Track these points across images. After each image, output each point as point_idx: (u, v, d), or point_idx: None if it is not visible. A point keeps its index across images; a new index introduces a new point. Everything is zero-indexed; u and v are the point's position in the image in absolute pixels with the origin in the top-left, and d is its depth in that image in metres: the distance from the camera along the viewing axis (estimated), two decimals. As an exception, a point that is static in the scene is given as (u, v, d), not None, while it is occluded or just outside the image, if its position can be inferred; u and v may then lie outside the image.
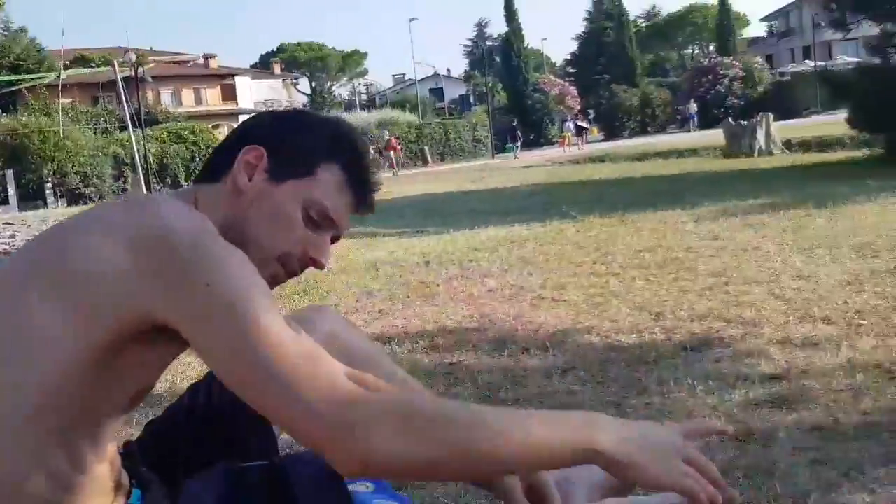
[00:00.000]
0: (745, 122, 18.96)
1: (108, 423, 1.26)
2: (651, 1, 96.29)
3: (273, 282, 1.33)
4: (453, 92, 74.40)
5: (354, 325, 1.91)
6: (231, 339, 1.11)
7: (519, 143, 42.23)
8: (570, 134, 41.31)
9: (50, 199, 29.24)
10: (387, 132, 38.18)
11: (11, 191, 28.14)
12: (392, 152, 35.87)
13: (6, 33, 48.13)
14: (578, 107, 53.35)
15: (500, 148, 44.60)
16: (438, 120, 48.08)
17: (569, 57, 70.98)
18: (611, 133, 51.17)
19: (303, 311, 1.84)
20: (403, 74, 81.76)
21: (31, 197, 29.01)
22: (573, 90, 55.76)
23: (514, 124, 43.92)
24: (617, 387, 2.97)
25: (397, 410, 1.15)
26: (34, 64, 45.57)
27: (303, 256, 1.35)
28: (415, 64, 63.27)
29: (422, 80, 67.97)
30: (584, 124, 43.32)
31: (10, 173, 27.95)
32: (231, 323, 1.11)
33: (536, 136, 51.24)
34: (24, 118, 31.94)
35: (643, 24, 70.49)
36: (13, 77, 38.82)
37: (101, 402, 1.23)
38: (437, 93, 73.74)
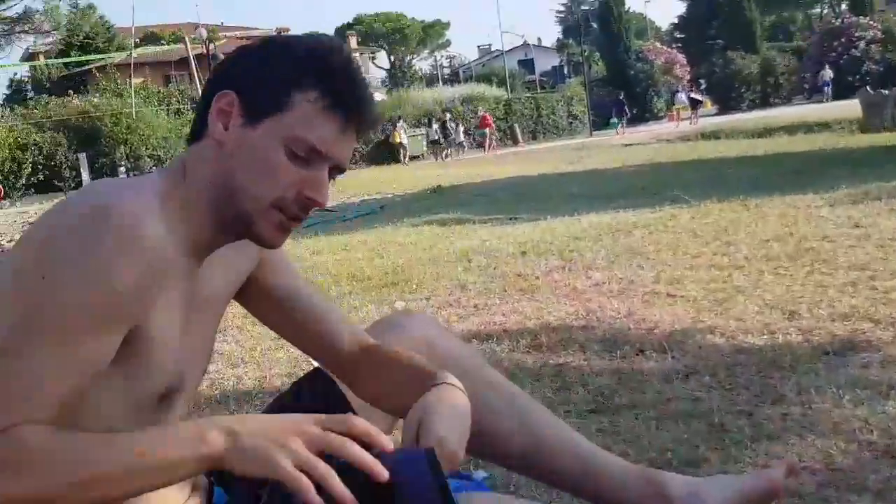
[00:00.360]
0: (886, 92, 18.19)
1: (138, 419, 1.31)
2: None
3: (279, 229, 1.35)
4: (545, 63, 73.65)
5: (447, 329, 1.89)
6: None
7: (626, 118, 41.49)
8: (681, 107, 40.30)
9: (123, 183, 30.07)
10: (481, 108, 38.00)
11: (85, 175, 28.92)
12: (487, 129, 35.70)
13: (74, 10, 49.48)
14: (688, 77, 51.90)
15: (598, 124, 43.88)
16: (529, 94, 47.68)
17: (676, 21, 69.40)
18: (726, 106, 48.98)
19: (397, 315, 1.89)
20: (489, 45, 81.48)
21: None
22: (682, 58, 54.33)
23: (621, 97, 42.92)
24: (748, 394, 2.81)
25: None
26: (103, 42, 46.86)
27: (298, 198, 1.33)
28: (502, 33, 63.19)
29: (510, 50, 67.62)
30: (697, 96, 41.84)
31: (83, 157, 28.72)
32: None
33: (640, 110, 49.93)
34: (95, 100, 32.68)
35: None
36: (83, 57, 39.87)
37: (107, 400, 1.31)
38: (527, 64, 73.04)
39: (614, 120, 42.16)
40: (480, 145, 36.77)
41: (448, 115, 36.54)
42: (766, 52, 53.40)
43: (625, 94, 44.74)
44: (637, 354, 3.35)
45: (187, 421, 1.28)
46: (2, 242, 12.78)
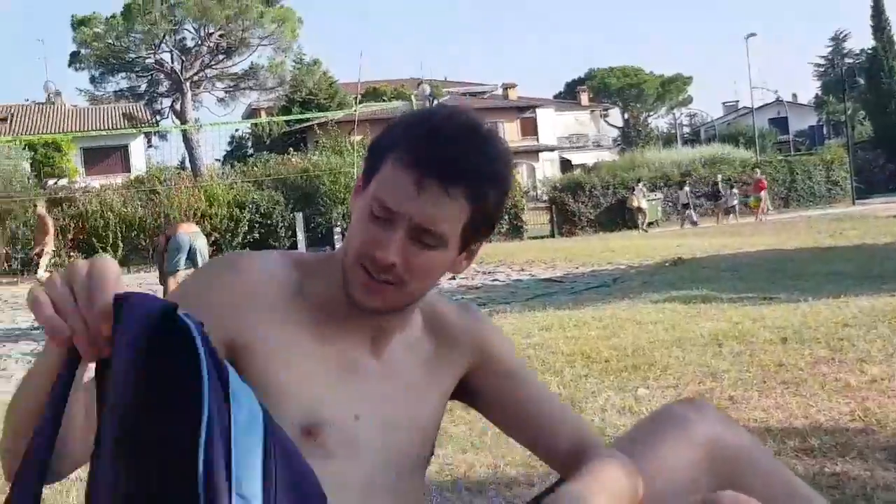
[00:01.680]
0: None
1: None
2: None
3: (364, 287, 1.46)
4: (800, 123, 71.65)
5: (736, 423, 1.80)
6: None
7: None
8: None
9: (338, 245, 31.06)
10: (758, 171, 37.57)
11: (300, 235, 30.15)
12: (763, 193, 35.26)
13: (299, 66, 52.12)
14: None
15: (861, 192, 42.24)
16: (781, 157, 46.31)
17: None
18: None
19: (679, 407, 1.76)
20: (737, 102, 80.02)
21: (320, 241, 30.86)
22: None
23: None
24: None
25: None
26: (325, 98, 48.97)
27: (370, 254, 1.43)
28: (752, 89, 61.71)
29: (760, 107, 66.15)
30: None
31: (299, 216, 29.89)
32: None
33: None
34: (314, 157, 34.00)
35: None
36: (305, 114, 41.76)
37: None
38: (780, 123, 71.32)
39: None
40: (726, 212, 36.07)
41: (720, 177, 36.60)
42: None
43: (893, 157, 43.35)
44: (929, 467, 3.14)
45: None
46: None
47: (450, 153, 1.41)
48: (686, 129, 73.33)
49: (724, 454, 1.65)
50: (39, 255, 17.55)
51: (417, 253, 1.44)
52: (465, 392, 1.67)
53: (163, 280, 13.14)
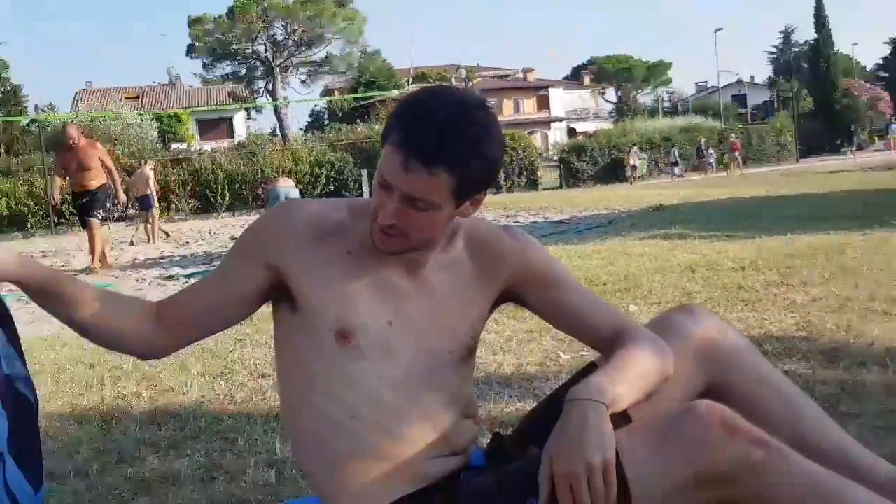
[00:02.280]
0: None
1: (323, 354, 1.53)
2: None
3: (379, 237, 1.47)
4: (756, 98, 70.44)
5: (729, 326, 1.68)
6: None
7: (854, 146, 41.05)
8: (894, 136, 39.54)
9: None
10: (734, 136, 37.52)
11: (365, 188, 30.31)
12: (736, 153, 35.26)
13: (363, 55, 52.00)
14: (891, 111, 48.68)
15: (803, 152, 41.95)
16: (741, 125, 45.63)
17: (880, 61, 64.81)
18: None
19: (673, 314, 1.68)
20: (706, 82, 78.61)
21: (380, 192, 31.26)
22: (886, 95, 50.76)
23: (852, 128, 42.47)
24: (973, 410, 2.54)
25: None
26: (384, 81, 48.81)
27: (376, 215, 1.45)
28: (719, 72, 60.39)
29: (724, 86, 64.90)
30: None
31: (364, 173, 30.08)
32: None
33: (846, 142, 47.41)
34: (376, 127, 34.16)
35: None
36: (367, 94, 41.74)
37: (299, 341, 1.58)
38: (740, 99, 70.14)
39: (845, 148, 43.08)
40: (695, 169, 35.89)
41: (703, 140, 36.56)
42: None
43: (828, 127, 43.04)
44: (858, 366, 3.10)
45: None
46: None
47: (431, 137, 1.37)
48: (666, 104, 72.12)
49: (716, 357, 1.56)
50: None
51: (413, 214, 1.42)
52: (515, 298, 1.63)
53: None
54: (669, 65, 69.95)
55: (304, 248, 1.52)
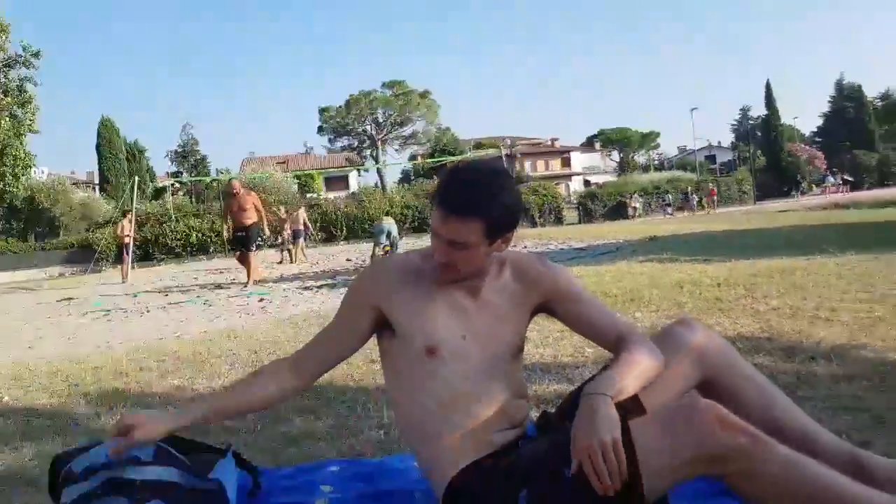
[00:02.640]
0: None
1: (416, 367, 1.54)
2: (886, 84, 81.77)
3: (439, 269, 1.49)
4: (723, 157, 68.45)
5: (716, 334, 1.62)
6: None
7: (799, 192, 41.74)
8: (830, 185, 39.79)
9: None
10: (711, 184, 37.05)
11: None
12: (715, 198, 35.12)
13: (439, 130, 52.41)
14: (824, 166, 47.19)
15: (758, 197, 40.82)
16: (712, 177, 44.49)
17: (815, 129, 62.52)
18: (853, 187, 45.04)
19: (674, 326, 1.61)
20: (685, 146, 76.91)
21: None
22: (821, 154, 49.13)
23: (798, 178, 42.82)
24: (900, 396, 2.39)
25: None
26: (452, 147, 49.05)
27: (433, 255, 1.47)
28: (695, 139, 59.30)
29: (699, 149, 63.44)
30: (847, 177, 41.95)
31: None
32: None
33: (791, 189, 46.03)
34: (447, 181, 34.52)
35: (879, 104, 59.58)
36: (440, 158, 41.94)
37: (399, 359, 1.57)
38: (710, 158, 68.38)
39: (794, 193, 43.24)
40: (680, 209, 35.09)
41: (689, 189, 35.91)
42: (882, 151, 47.93)
43: (777, 179, 42.18)
44: (810, 361, 2.95)
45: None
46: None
47: (458, 194, 1.39)
48: (656, 162, 70.68)
49: (707, 358, 1.52)
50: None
51: (455, 253, 1.43)
52: (547, 310, 1.61)
53: (375, 247, 13.63)
54: (658, 133, 68.77)
55: (396, 290, 1.52)
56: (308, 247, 19.91)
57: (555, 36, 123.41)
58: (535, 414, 1.97)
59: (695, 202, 35.04)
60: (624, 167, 63.47)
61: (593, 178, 59.11)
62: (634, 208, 33.36)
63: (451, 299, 1.52)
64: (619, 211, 34.10)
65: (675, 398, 1.46)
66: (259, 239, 10.77)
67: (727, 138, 75.72)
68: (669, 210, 33.95)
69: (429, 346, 1.47)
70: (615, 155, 69.96)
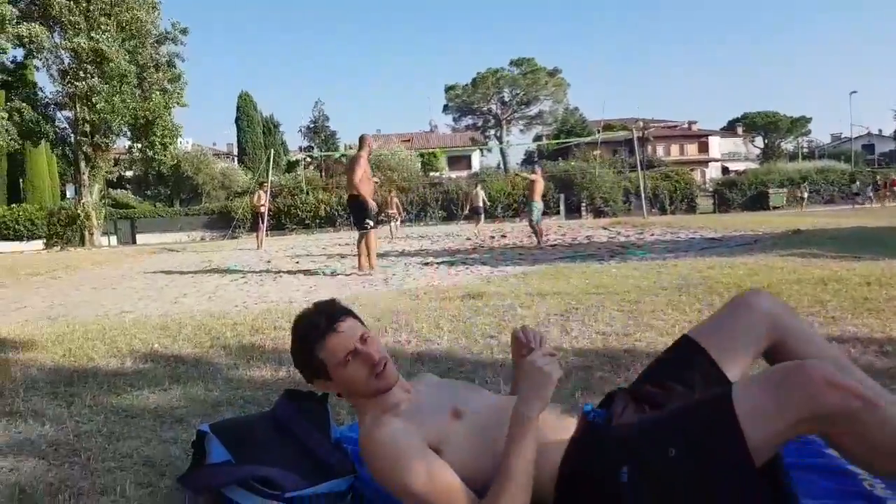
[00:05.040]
0: None
1: (451, 425, 1.55)
2: None
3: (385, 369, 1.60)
4: (883, 147, 62.23)
5: (790, 307, 1.62)
6: None
7: None
8: None
9: (584, 214, 30.65)
10: (893, 174, 34.72)
11: (562, 206, 30.05)
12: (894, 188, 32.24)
13: (566, 110, 51.44)
14: None
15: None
16: (868, 169, 40.60)
17: None
18: None
19: (747, 295, 1.63)
20: (840, 133, 70.58)
21: (572, 210, 30.62)
22: None
23: None
24: None
25: None
26: (580, 129, 48.04)
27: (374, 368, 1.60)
28: (851, 125, 54.14)
29: (856, 137, 57.99)
30: None
31: (561, 196, 29.84)
32: None
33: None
34: (572, 164, 33.82)
35: None
36: (566, 140, 41.28)
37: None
38: (869, 147, 62.33)
39: None
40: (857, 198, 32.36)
41: (858, 180, 33.50)
42: None
43: None
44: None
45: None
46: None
47: (326, 317, 1.59)
48: (805, 150, 65.41)
49: (777, 324, 1.55)
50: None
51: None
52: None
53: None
54: (810, 119, 63.55)
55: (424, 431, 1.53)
56: (404, 226, 21.06)
57: (702, 13, 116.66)
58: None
59: (871, 193, 32.28)
60: (768, 154, 59.33)
61: (732, 165, 55.79)
62: (802, 199, 31.45)
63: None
64: (759, 201, 32.05)
65: (750, 362, 1.55)
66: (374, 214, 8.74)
67: (889, 126, 68.59)
68: (860, 200, 31.58)
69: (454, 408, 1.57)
70: (759, 141, 65.53)
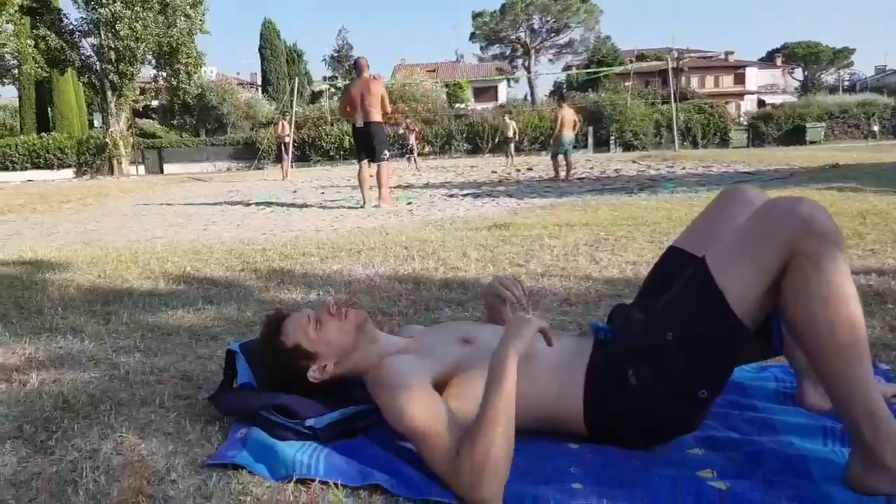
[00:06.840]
0: None
1: (458, 348, 1.59)
2: None
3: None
4: (933, 80, 59.49)
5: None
6: None
7: None
8: None
9: (612, 147, 30.08)
10: None
11: (590, 140, 29.52)
12: None
13: (597, 39, 49.75)
14: None
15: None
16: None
17: None
18: None
19: (725, 191, 1.65)
20: (885, 65, 67.36)
21: (601, 144, 30.11)
22: None
23: None
24: None
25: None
26: (611, 59, 46.56)
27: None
28: (899, 57, 51.68)
29: (903, 69, 55.47)
30: None
31: (590, 129, 29.30)
32: None
33: None
34: (602, 95, 32.98)
35: None
36: (598, 70, 40.07)
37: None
38: (917, 80, 59.63)
39: None
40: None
41: (874, 115, 32.37)
42: None
43: None
44: None
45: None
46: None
47: (268, 322, 1.64)
48: (846, 83, 62.78)
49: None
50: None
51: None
52: None
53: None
54: (854, 50, 60.74)
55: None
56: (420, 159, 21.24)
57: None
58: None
59: None
60: (808, 87, 57.17)
61: (769, 99, 53.93)
62: (873, 132, 30.66)
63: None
64: (795, 135, 31.11)
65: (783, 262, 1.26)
66: (388, 144, 8.46)
67: (943, 57, 65.37)
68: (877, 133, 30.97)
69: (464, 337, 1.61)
70: (798, 73, 63.03)
